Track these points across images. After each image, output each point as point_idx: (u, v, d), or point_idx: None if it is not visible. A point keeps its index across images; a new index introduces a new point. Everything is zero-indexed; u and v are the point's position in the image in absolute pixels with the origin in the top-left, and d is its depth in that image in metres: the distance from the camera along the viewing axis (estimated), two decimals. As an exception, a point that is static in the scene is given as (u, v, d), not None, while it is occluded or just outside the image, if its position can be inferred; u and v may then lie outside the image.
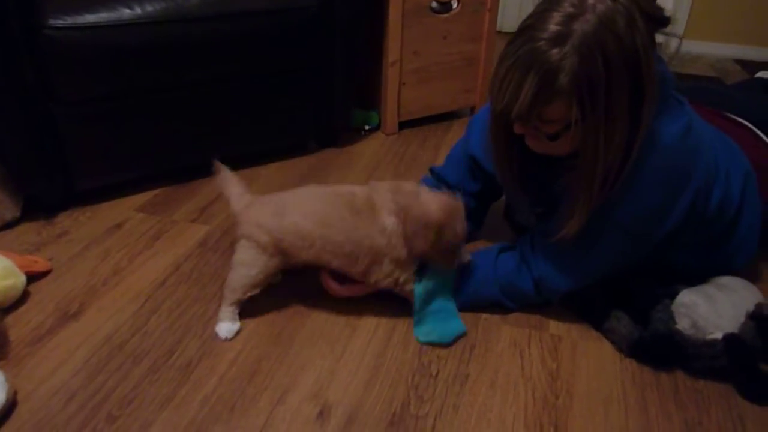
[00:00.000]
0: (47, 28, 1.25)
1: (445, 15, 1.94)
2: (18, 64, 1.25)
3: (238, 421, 0.95)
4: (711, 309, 1.08)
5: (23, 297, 1.19)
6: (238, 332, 1.13)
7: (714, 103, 1.34)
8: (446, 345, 1.12)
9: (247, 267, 1.11)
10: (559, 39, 0.86)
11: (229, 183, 1.17)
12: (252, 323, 1.16)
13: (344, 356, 1.09)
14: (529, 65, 0.88)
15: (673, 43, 1.11)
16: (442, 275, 1.14)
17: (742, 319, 1.08)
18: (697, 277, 1.18)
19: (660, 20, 0.91)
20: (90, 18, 1.29)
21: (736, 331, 1.06)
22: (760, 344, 1.06)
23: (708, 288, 1.13)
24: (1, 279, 1.12)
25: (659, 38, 0.95)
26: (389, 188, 1.10)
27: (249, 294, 1.14)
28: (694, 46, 3.28)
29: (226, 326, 1.13)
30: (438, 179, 1.39)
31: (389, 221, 1.07)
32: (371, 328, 1.16)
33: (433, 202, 1.06)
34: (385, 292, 1.15)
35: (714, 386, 1.05)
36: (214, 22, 1.41)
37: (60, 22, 1.26)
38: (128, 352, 1.08)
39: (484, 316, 1.19)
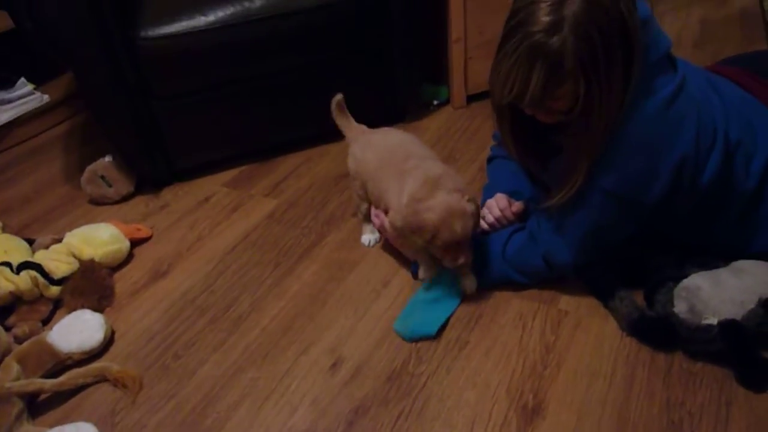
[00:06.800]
0: (141, 38, 1.53)
1: (512, -13, 1.94)
2: (121, 69, 1.54)
3: (268, 367, 1.17)
4: (714, 294, 1.08)
5: (129, 258, 1.51)
6: (377, 241, 1.46)
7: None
8: (404, 339, 1.20)
9: (351, 187, 1.45)
10: (554, 27, 0.92)
11: (341, 115, 1.48)
12: (297, 284, 1.37)
13: (365, 318, 1.26)
14: (533, 59, 0.95)
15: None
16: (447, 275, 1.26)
17: (752, 305, 1.07)
18: (727, 257, 1.17)
19: None
20: (174, 27, 1.54)
21: (739, 317, 1.06)
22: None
23: (721, 272, 1.13)
24: (110, 244, 1.45)
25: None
26: (426, 173, 1.21)
27: (362, 210, 1.44)
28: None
29: (364, 237, 1.47)
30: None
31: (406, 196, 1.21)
32: (394, 294, 1.31)
33: (435, 207, 1.14)
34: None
35: (711, 370, 1.07)
36: (276, 20, 1.60)
37: (150, 33, 1.53)
38: (197, 305, 1.35)
39: (498, 289, 1.29)
